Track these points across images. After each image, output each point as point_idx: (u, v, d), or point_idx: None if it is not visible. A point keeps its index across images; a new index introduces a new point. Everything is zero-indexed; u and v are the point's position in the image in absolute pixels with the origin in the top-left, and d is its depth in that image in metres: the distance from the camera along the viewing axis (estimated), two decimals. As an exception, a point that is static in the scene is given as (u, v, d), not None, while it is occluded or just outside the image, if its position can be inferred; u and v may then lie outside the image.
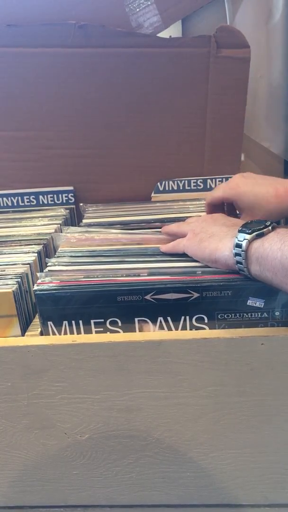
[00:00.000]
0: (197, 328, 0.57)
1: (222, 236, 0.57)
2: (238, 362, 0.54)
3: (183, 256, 0.62)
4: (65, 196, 0.90)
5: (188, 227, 0.63)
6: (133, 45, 0.84)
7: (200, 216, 0.68)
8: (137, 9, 0.83)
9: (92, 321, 0.57)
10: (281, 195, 0.63)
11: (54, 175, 0.91)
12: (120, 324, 0.57)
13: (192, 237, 0.60)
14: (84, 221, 0.81)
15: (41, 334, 0.58)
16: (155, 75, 0.84)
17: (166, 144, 0.90)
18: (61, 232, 0.76)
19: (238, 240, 0.52)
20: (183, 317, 0.56)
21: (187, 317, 0.56)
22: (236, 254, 0.53)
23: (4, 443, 0.60)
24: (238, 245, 0.52)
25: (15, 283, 0.59)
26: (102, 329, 0.57)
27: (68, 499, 0.64)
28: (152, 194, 0.92)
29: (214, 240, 0.57)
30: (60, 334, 0.57)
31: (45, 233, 0.75)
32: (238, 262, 0.53)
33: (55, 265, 0.62)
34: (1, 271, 0.62)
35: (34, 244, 0.70)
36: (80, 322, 0.57)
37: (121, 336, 0.56)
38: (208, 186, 0.91)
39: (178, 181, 0.91)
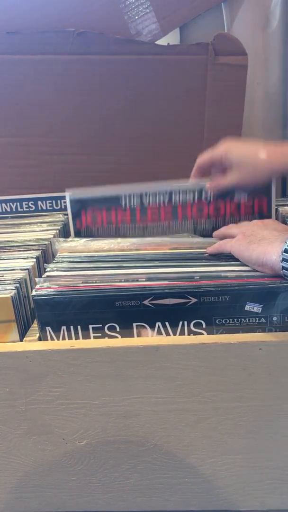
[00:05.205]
0: (195, 333, 0.57)
1: (273, 239, 0.56)
2: (236, 367, 0.54)
3: (182, 261, 0.62)
4: (64, 202, 0.90)
5: (238, 229, 0.63)
6: (132, 52, 0.84)
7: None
8: (136, 17, 0.84)
9: (90, 326, 0.57)
10: (271, 151, 0.63)
11: (52, 181, 0.91)
12: (118, 329, 0.57)
13: (241, 238, 0.60)
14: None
15: (39, 339, 0.58)
16: (153, 81, 0.85)
17: (163, 150, 0.90)
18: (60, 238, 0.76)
19: (287, 246, 0.52)
20: (181, 322, 0.56)
21: (185, 322, 0.56)
22: (284, 260, 0.52)
23: (2, 449, 0.60)
24: (287, 251, 0.52)
25: (14, 288, 0.59)
26: (100, 334, 0.57)
27: (66, 505, 0.64)
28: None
29: (264, 243, 0.56)
30: (58, 339, 0.57)
31: (44, 238, 0.75)
32: (284, 268, 0.53)
33: (53, 270, 0.62)
34: (0, 276, 0.62)
35: (33, 250, 0.71)
36: (79, 327, 0.57)
37: (119, 341, 0.56)
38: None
39: (176, 187, 0.91)
